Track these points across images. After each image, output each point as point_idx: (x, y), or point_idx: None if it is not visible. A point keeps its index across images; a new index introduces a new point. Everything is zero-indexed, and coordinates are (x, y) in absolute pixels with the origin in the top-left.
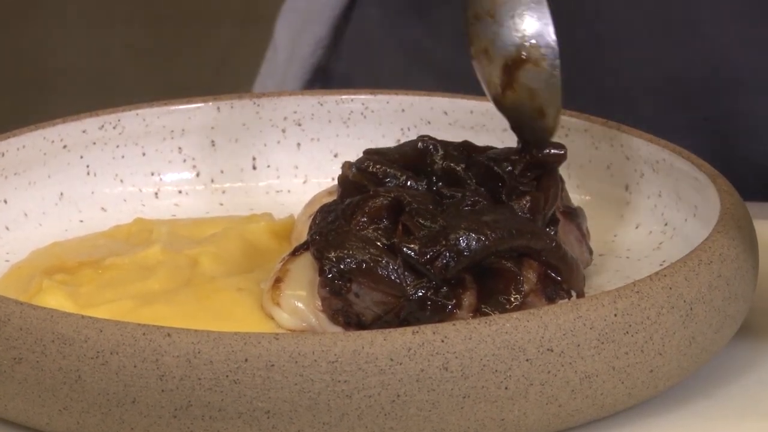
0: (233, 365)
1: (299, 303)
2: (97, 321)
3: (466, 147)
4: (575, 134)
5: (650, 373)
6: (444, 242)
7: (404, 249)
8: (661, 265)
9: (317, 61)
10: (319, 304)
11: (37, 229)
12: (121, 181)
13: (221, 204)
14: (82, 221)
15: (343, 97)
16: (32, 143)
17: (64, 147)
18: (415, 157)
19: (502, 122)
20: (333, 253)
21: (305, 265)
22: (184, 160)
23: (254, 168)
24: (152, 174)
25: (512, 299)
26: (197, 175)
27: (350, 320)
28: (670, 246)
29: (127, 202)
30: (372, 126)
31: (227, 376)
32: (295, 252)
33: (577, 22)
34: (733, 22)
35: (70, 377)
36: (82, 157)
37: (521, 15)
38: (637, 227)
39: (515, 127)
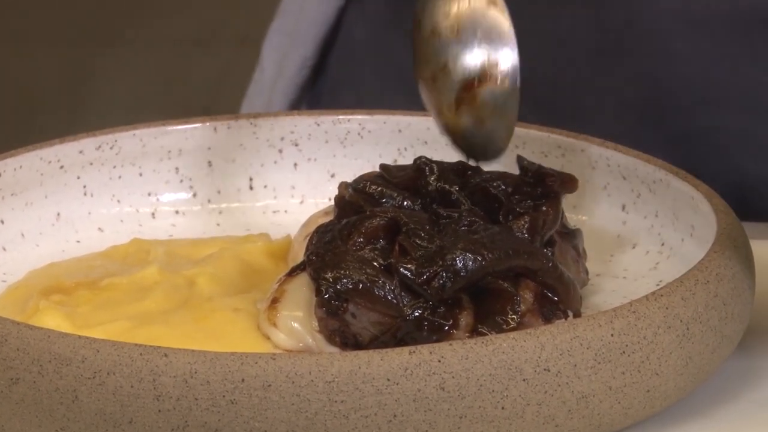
0: (230, 385)
1: (296, 323)
2: (94, 341)
3: (461, 167)
4: (571, 154)
5: (647, 393)
6: (440, 262)
7: (401, 269)
8: (657, 285)
9: (303, 80)
10: (316, 324)
11: (34, 249)
12: (118, 201)
13: (218, 224)
14: (79, 241)
15: (340, 117)
16: (29, 164)
17: (61, 167)
18: (412, 177)
19: None
20: (330, 274)
21: (302, 285)
22: (181, 181)
23: (251, 188)
24: (149, 194)
25: (509, 319)
26: (194, 195)
27: (347, 340)
28: (666, 266)
29: (124, 222)
30: (369, 146)
31: (224, 396)
32: (292, 272)
33: (550, 41)
34: (704, 41)
35: (67, 397)
36: (79, 177)
37: (486, 32)
38: (633, 247)
39: (462, 146)
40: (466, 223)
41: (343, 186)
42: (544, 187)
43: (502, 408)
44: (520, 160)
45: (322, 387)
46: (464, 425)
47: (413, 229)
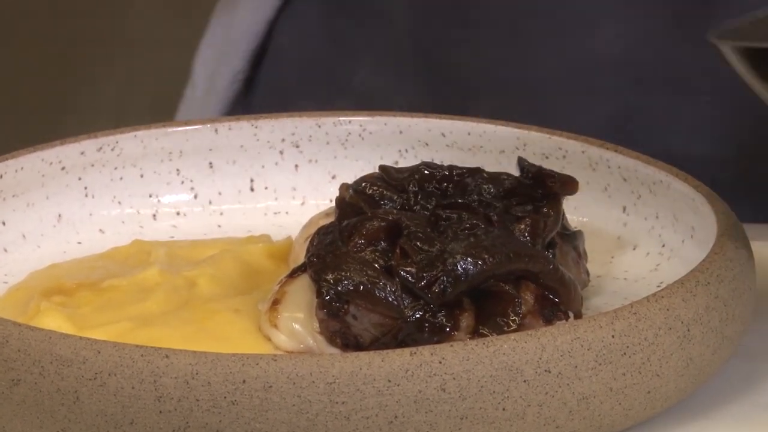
0: (231, 386)
1: (297, 325)
2: (95, 342)
3: (461, 170)
4: (572, 156)
5: (647, 394)
6: (441, 267)
7: (401, 272)
8: (658, 286)
9: (235, 94)
10: (317, 326)
11: (36, 251)
12: (119, 203)
13: (219, 226)
14: (80, 243)
15: (341, 118)
16: (31, 165)
17: (63, 169)
18: (413, 179)
19: (499, 144)
20: (331, 275)
21: (303, 287)
22: (182, 182)
23: (252, 190)
24: (150, 196)
25: (510, 321)
26: (195, 196)
27: (348, 342)
28: (667, 267)
29: (125, 223)
30: (370, 148)
31: (225, 397)
32: (293, 274)
33: (480, 18)
34: (635, 20)
35: (68, 399)
36: (80, 178)
37: None
38: (634, 249)
39: None
40: (467, 225)
41: (343, 187)
42: (544, 188)
43: (503, 409)
44: (521, 161)
45: (323, 388)
46: (465, 426)
47: (414, 231)
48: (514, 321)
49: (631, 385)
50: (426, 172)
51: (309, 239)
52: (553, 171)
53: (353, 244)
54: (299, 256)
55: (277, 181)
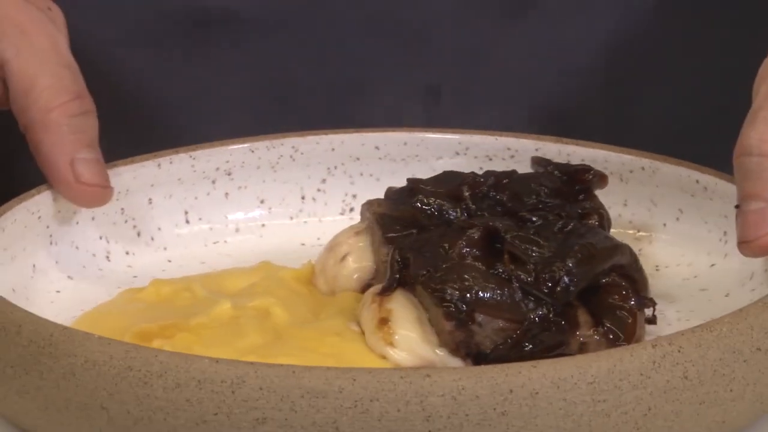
0: (499, 397)
1: (415, 340)
2: (348, 371)
3: (496, 173)
4: (522, 155)
5: None
6: (559, 267)
7: (521, 276)
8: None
9: None
10: (435, 339)
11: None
12: (77, 248)
13: (169, 261)
14: (59, 292)
15: (274, 141)
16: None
17: (39, 218)
18: (464, 187)
19: (436, 152)
20: (454, 286)
21: (404, 303)
22: (126, 221)
23: (187, 222)
24: (100, 238)
25: (626, 311)
26: (138, 234)
27: (470, 351)
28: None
29: (86, 267)
30: (298, 168)
31: (494, 408)
32: (383, 292)
33: None
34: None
35: (327, 429)
36: (48, 227)
37: None
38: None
39: None
40: (559, 225)
41: (375, 203)
42: (582, 183)
43: (730, 390)
44: (538, 160)
45: (585, 389)
46: (702, 411)
47: (519, 236)
48: (630, 310)
49: None
50: (479, 179)
51: (345, 257)
52: (587, 165)
53: (459, 254)
54: (336, 278)
55: (209, 211)
